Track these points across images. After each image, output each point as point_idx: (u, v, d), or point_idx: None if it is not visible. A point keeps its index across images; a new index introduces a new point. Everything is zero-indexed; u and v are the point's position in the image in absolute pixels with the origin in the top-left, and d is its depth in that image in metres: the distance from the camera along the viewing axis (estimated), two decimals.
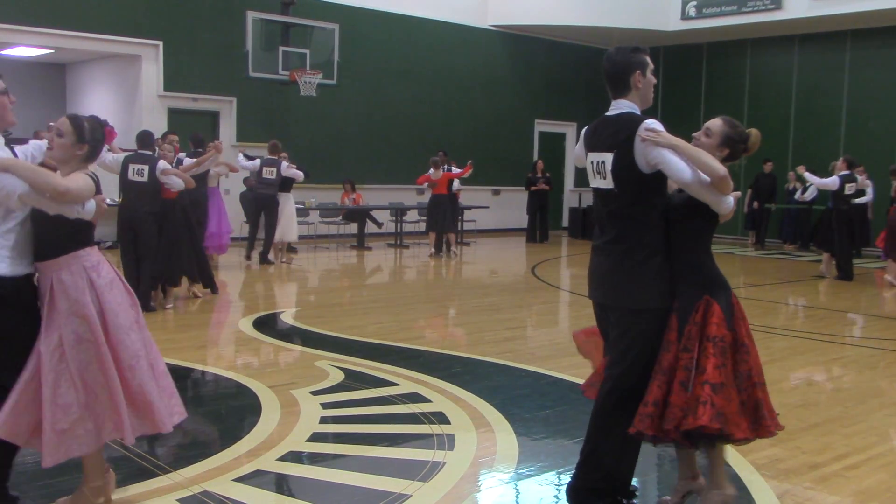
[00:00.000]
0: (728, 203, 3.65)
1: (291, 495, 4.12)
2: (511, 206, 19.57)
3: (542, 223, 18.08)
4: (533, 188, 17.87)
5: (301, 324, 8.30)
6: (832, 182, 12.43)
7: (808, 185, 15.20)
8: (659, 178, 3.65)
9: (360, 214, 16.02)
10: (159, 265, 8.75)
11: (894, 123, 17.38)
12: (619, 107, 3.79)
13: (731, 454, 4.71)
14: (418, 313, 9.47)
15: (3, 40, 14.25)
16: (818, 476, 4.45)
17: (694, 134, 3.87)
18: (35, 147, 3.85)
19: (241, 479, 4.18)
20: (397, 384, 6.03)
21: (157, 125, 14.94)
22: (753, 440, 3.71)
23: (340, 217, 16.17)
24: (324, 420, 5.21)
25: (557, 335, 8.73)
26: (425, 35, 18.33)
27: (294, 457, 4.52)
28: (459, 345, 7.56)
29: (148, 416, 3.67)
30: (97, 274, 3.58)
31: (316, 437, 4.89)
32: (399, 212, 16.63)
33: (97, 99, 17.06)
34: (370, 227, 16.19)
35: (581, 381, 6.27)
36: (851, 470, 4.55)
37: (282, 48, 15.32)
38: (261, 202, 12.94)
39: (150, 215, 8.54)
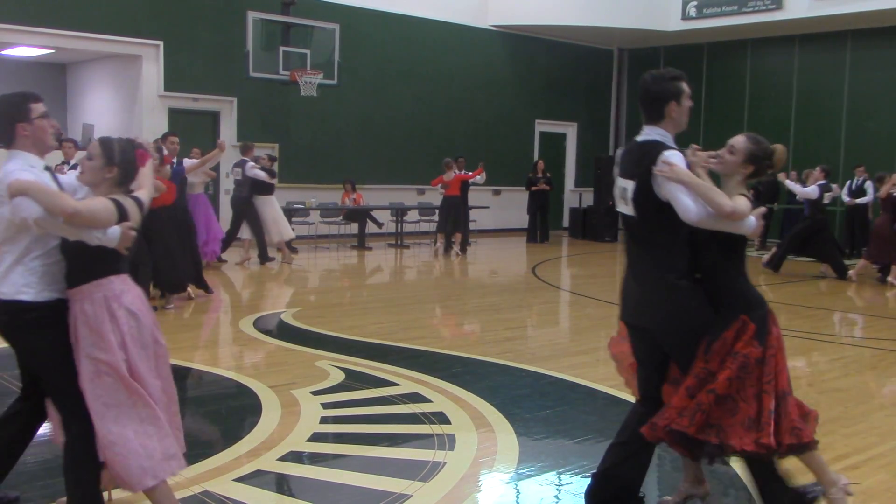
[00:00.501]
0: (748, 226, 3.62)
1: (292, 495, 4.12)
2: (511, 206, 19.56)
3: (542, 223, 18.07)
4: (533, 188, 17.86)
5: (301, 324, 8.30)
6: (812, 192, 12.68)
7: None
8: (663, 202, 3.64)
9: (360, 214, 16.02)
10: (164, 274, 8.67)
11: (894, 123, 17.39)
12: (647, 134, 3.77)
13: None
14: (419, 313, 9.47)
15: (4, 40, 14.26)
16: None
17: (718, 151, 3.85)
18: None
19: (241, 479, 4.18)
20: (398, 384, 6.03)
21: (158, 125, 14.95)
22: (765, 453, 3.56)
23: (341, 217, 16.16)
24: (324, 420, 5.21)
25: (558, 335, 8.73)
26: (426, 35, 18.33)
27: (294, 457, 4.52)
28: (460, 345, 7.56)
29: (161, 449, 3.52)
30: (118, 304, 3.44)
31: (316, 437, 4.89)
32: (399, 212, 16.63)
33: (97, 99, 17.07)
34: (371, 228, 16.19)
35: (581, 382, 6.29)
36: (852, 470, 4.54)
37: (282, 48, 15.32)
38: (233, 203, 12.96)
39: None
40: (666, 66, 21.88)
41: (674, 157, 3.61)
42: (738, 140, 3.83)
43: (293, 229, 14.98)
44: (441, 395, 5.80)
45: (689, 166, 3.73)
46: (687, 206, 3.53)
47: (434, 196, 16.82)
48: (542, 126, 20.88)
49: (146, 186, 3.65)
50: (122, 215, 3.42)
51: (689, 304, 3.63)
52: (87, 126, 15.08)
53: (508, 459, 4.59)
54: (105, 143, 3.53)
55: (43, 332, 3.45)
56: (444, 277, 13.25)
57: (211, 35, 15.44)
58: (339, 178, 16.21)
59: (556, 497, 4.19)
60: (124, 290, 3.50)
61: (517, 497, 4.17)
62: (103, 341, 3.39)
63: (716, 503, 4.12)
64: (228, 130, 15.83)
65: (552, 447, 4.88)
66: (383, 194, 17.36)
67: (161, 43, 15.09)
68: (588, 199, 20.22)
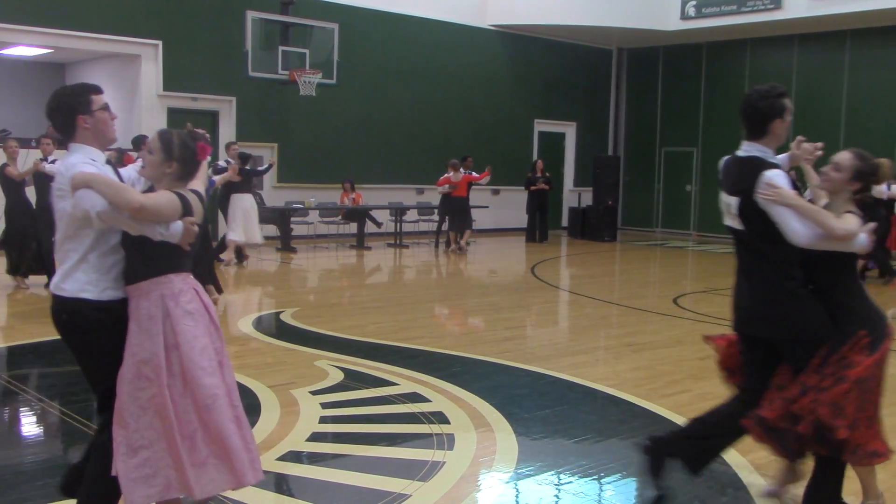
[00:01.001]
0: (859, 244, 3.62)
1: (291, 495, 4.12)
2: (511, 205, 19.56)
3: (541, 223, 18.07)
4: (532, 188, 17.86)
5: (300, 323, 8.30)
6: (880, 190, 12.53)
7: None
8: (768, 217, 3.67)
9: (359, 214, 16.02)
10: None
11: (893, 123, 17.39)
12: (748, 150, 3.81)
13: (730, 454, 4.71)
14: (418, 313, 9.47)
15: (3, 40, 14.25)
16: None
17: (823, 169, 3.83)
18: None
19: None
20: (397, 384, 6.03)
21: (157, 125, 14.92)
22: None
23: (340, 217, 16.16)
24: (323, 420, 5.21)
25: (557, 335, 8.73)
26: (425, 35, 18.33)
27: (294, 456, 4.52)
28: (459, 344, 7.56)
29: (227, 461, 3.30)
30: (175, 302, 3.31)
31: (315, 437, 4.89)
32: (398, 211, 16.63)
33: None
34: (370, 227, 16.19)
35: (580, 381, 6.29)
36: (850, 469, 4.53)
37: (281, 48, 15.32)
38: (217, 204, 12.83)
39: None
40: (665, 65, 22.01)
41: (777, 177, 3.63)
42: (844, 157, 3.79)
43: (292, 229, 15.01)
44: (440, 394, 5.80)
45: (792, 158, 3.91)
46: (795, 230, 3.57)
47: (433, 196, 16.81)
48: (541, 126, 20.89)
49: (201, 179, 3.55)
50: (186, 210, 3.33)
51: (810, 310, 3.68)
52: None
53: (507, 459, 4.59)
54: (164, 137, 3.41)
55: (101, 334, 3.34)
56: (444, 277, 13.25)
57: (210, 34, 15.44)
58: (338, 178, 16.21)
59: (556, 496, 4.19)
60: (183, 289, 3.36)
61: (516, 497, 4.17)
62: (151, 342, 3.27)
63: (713, 503, 4.12)
64: (228, 130, 15.82)
65: (551, 447, 4.89)
66: (382, 194, 17.36)
67: (160, 42, 15.09)
68: (587, 198, 20.22)
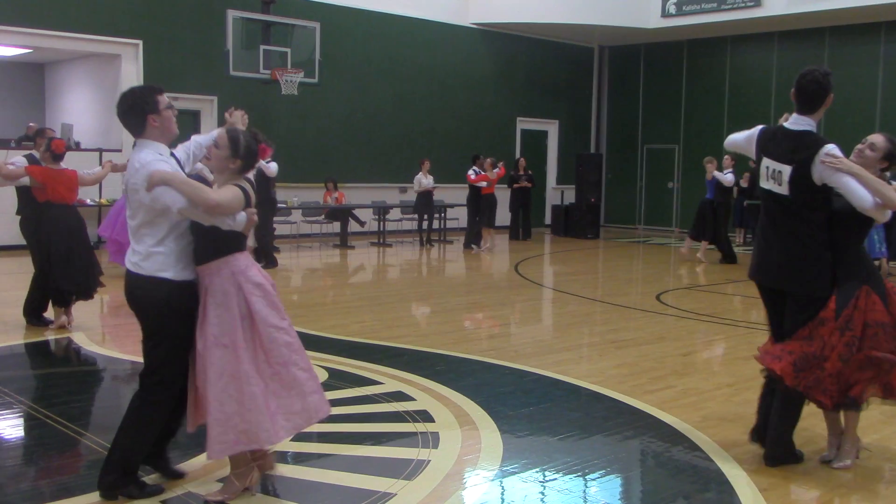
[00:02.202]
0: (887, 214, 4.23)
1: (276, 495, 4.11)
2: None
3: (524, 221, 18.10)
4: (515, 185, 17.89)
5: None
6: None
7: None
8: (826, 189, 4.24)
9: (342, 213, 15.99)
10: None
11: (871, 118, 17.54)
12: (801, 123, 4.37)
13: (714, 449, 4.74)
14: (402, 312, 9.47)
15: None
16: (801, 470, 4.48)
17: (857, 146, 4.39)
18: (195, 145, 4.21)
19: (224, 480, 4.17)
20: (381, 383, 6.03)
21: None
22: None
23: (323, 216, 16.12)
24: None
25: (541, 332, 8.75)
26: (407, 33, 18.31)
27: (278, 457, 4.50)
28: (443, 343, 7.56)
29: (304, 404, 3.89)
30: (244, 277, 3.81)
31: (300, 437, 4.86)
32: (382, 210, 16.61)
33: (76, 99, 16.94)
34: (353, 226, 16.16)
35: (564, 378, 6.31)
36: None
37: (262, 47, 15.25)
38: None
39: None
40: (646, 63, 22.20)
41: (836, 150, 4.22)
42: (879, 139, 4.38)
43: (275, 229, 14.96)
44: (425, 393, 5.80)
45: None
46: (863, 196, 4.11)
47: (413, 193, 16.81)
48: (523, 124, 20.92)
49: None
50: (247, 201, 3.85)
51: (829, 271, 4.26)
52: (66, 126, 14.95)
53: (492, 457, 4.59)
54: (233, 136, 3.88)
55: (173, 309, 3.78)
56: (427, 276, 13.25)
57: (190, 34, 15.36)
58: (321, 177, 16.17)
59: (541, 494, 4.20)
60: (248, 265, 3.87)
61: (501, 494, 4.18)
62: (228, 314, 3.76)
63: (697, 498, 4.14)
64: (209, 130, 15.71)
65: (536, 444, 4.89)
66: (365, 193, 17.33)
67: (140, 42, 15.00)
68: (570, 196, 20.27)
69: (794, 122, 4.39)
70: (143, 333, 3.90)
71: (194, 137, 4.25)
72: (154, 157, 3.78)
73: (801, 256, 4.28)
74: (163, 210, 3.72)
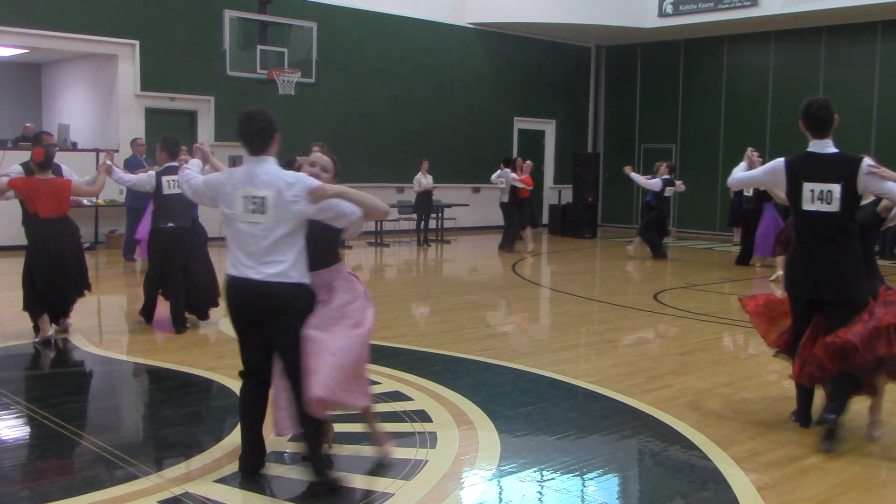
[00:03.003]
0: None
1: (273, 495, 4.11)
2: (491, 204, 19.51)
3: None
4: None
5: None
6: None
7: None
8: (861, 198, 4.80)
9: None
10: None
11: (868, 118, 17.57)
12: (827, 146, 4.87)
13: (711, 448, 4.75)
14: (399, 312, 9.47)
15: None
16: (797, 469, 4.49)
17: None
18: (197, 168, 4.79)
19: (222, 480, 4.17)
20: (379, 382, 6.02)
21: (135, 125, 14.86)
22: None
23: None
24: None
25: (538, 332, 8.75)
26: (404, 33, 18.31)
27: (276, 457, 4.51)
28: (440, 343, 7.56)
29: (367, 389, 4.35)
30: (342, 279, 4.28)
31: (298, 437, 4.87)
32: None
33: (73, 99, 16.93)
34: None
35: (562, 378, 6.32)
36: (830, 462, 4.60)
37: (259, 47, 15.25)
38: None
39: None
40: (643, 62, 22.22)
41: (873, 161, 4.78)
42: None
43: None
44: (422, 393, 5.80)
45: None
46: None
47: (413, 194, 16.80)
48: (520, 123, 20.92)
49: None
50: None
51: (866, 280, 4.81)
52: (63, 126, 14.95)
53: (490, 457, 4.60)
54: (334, 159, 4.42)
55: (302, 312, 4.08)
56: (425, 275, 13.24)
57: (187, 34, 15.35)
58: None
59: (538, 493, 4.20)
60: (344, 269, 4.38)
61: (499, 494, 4.18)
62: (327, 308, 4.14)
63: (694, 497, 4.15)
64: (206, 130, 15.75)
65: (533, 444, 4.90)
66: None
67: (137, 42, 14.99)
68: (567, 195, 20.28)
69: (820, 146, 4.87)
70: (281, 340, 4.07)
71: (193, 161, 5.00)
72: (278, 168, 4.16)
73: (853, 268, 4.77)
74: (336, 218, 4.10)
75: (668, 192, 14.93)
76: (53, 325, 7.51)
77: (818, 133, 4.87)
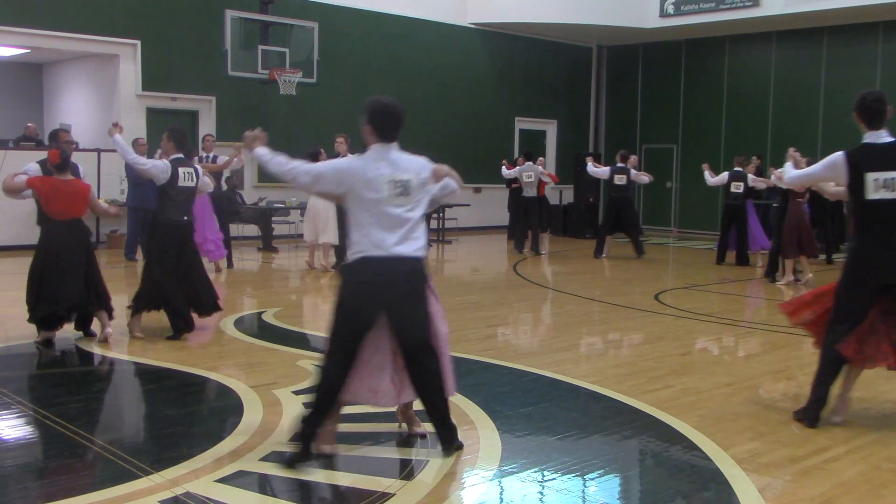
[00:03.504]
0: None
1: (274, 495, 4.11)
2: (492, 203, 19.58)
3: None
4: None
5: (282, 323, 8.27)
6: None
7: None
8: None
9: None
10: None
11: None
12: (883, 136, 5.08)
13: (712, 449, 4.74)
14: None
15: None
16: (799, 469, 4.48)
17: None
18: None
19: (223, 480, 4.16)
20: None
21: (136, 125, 14.86)
22: None
23: None
24: None
25: (539, 332, 8.75)
26: (405, 33, 18.31)
27: (277, 457, 4.50)
28: None
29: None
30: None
31: (297, 437, 4.87)
32: None
33: (74, 99, 16.94)
34: None
35: (563, 378, 6.31)
36: (831, 462, 4.59)
37: (261, 47, 15.26)
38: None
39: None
40: (645, 63, 22.20)
41: None
42: None
43: (273, 228, 15.00)
44: None
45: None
46: None
47: None
48: (521, 123, 20.92)
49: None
50: None
51: None
52: (64, 126, 14.96)
53: (491, 457, 4.59)
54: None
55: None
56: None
57: (189, 34, 15.36)
58: None
59: (539, 494, 4.20)
60: None
61: (500, 494, 4.18)
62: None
63: (695, 497, 4.14)
64: (207, 130, 15.72)
65: (534, 444, 4.89)
66: None
67: (138, 42, 15.00)
68: (568, 196, 20.28)
69: (875, 136, 5.06)
70: (416, 312, 4.47)
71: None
72: (409, 154, 4.67)
73: None
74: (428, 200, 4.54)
75: (619, 180, 14.82)
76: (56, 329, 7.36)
77: (873, 124, 5.07)
